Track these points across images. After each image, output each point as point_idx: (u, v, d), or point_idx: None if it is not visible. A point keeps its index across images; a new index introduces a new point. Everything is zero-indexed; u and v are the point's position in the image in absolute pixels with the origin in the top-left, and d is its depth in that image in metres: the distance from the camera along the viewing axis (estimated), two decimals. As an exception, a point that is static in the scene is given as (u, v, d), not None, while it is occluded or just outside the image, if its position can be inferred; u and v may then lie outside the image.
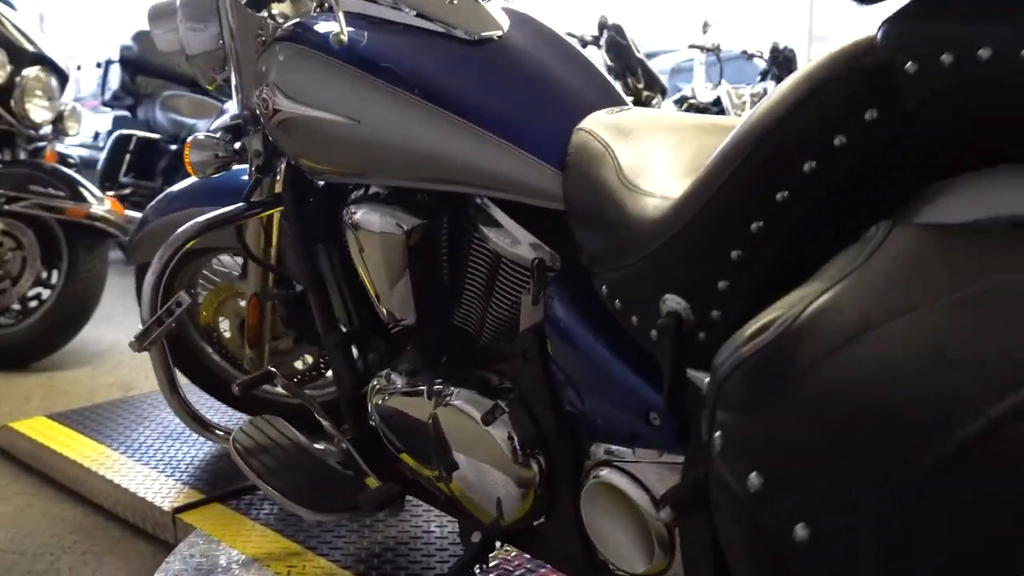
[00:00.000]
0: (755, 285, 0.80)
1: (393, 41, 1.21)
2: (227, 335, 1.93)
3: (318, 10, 1.39)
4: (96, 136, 4.27)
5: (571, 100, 1.16)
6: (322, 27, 1.27)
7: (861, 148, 0.73)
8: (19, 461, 2.03)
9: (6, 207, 2.76)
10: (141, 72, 4.41)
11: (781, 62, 5.77)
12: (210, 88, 1.54)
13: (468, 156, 1.12)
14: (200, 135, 1.48)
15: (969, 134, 0.69)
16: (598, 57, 4.96)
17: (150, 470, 1.81)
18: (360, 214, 1.25)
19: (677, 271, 0.85)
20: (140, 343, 1.42)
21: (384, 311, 1.29)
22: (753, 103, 5.46)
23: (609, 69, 4.89)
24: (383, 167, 1.20)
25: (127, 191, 4.07)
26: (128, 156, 4.09)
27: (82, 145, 4.54)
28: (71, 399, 2.46)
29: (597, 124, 1.08)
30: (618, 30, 4.83)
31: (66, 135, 3.13)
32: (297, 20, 1.33)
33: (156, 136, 4.13)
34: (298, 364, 1.94)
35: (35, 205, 2.77)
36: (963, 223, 0.68)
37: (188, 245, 1.46)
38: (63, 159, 3.18)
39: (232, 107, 1.52)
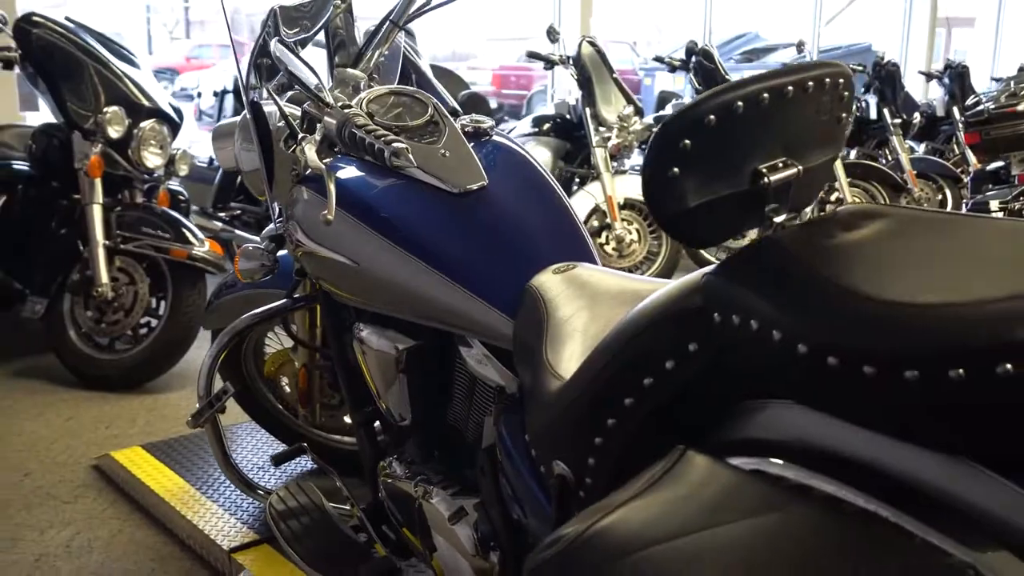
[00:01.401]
0: (615, 464, 0.99)
1: (389, 193, 1.43)
2: (287, 390, 2.21)
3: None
4: (211, 161, 4.66)
5: (532, 252, 1.36)
6: (338, 175, 1.49)
7: (686, 372, 0.91)
8: (118, 487, 2.37)
9: (122, 246, 3.14)
10: None
11: (884, 76, 5.71)
12: (260, 199, 1.80)
13: (440, 299, 1.33)
14: (249, 246, 1.74)
15: (750, 379, 0.86)
16: (684, 81, 5.03)
17: (217, 507, 2.11)
18: (365, 332, 1.48)
19: (561, 443, 1.04)
20: (195, 421, 1.70)
21: (384, 409, 1.52)
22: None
23: (698, 93, 4.96)
24: (379, 301, 1.43)
25: (237, 212, 4.46)
26: (238, 181, 4.47)
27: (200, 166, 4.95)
28: (170, 423, 2.81)
29: (545, 283, 1.28)
30: (706, 54, 4.90)
31: (177, 176, 3.49)
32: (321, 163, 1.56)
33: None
34: (347, 418, 2.20)
35: (146, 245, 3.14)
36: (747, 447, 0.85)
37: (236, 339, 1.73)
38: (175, 196, 3.54)
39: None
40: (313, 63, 1.66)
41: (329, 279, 1.50)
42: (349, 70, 1.69)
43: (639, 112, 4.44)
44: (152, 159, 3.29)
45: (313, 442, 2.20)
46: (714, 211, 0.92)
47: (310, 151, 1.37)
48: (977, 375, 0.67)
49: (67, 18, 3.29)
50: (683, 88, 7.15)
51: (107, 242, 3.11)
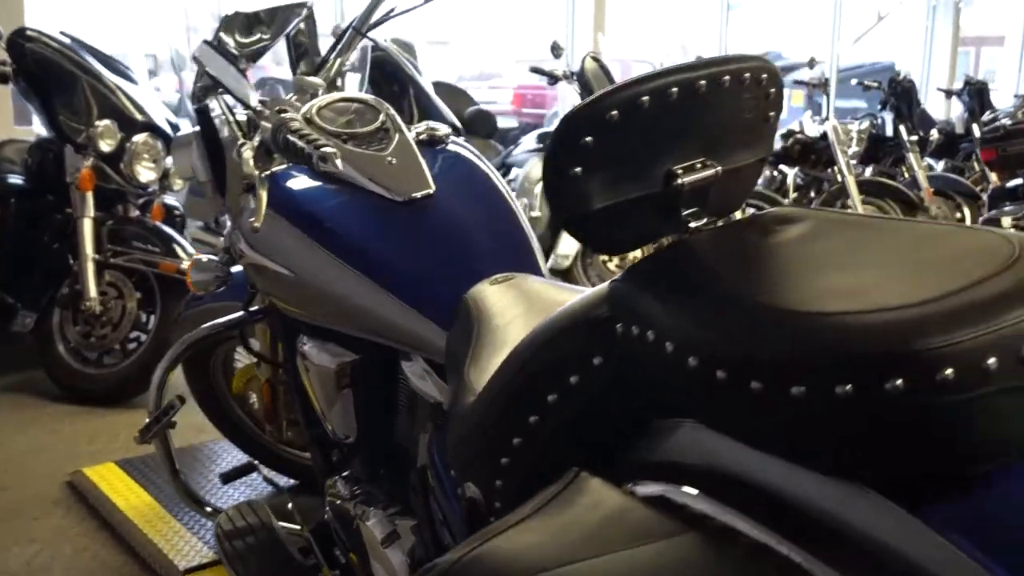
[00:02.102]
0: (522, 486, 0.92)
1: (330, 201, 1.39)
2: (256, 406, 2.16)
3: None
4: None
5: (473, 262, 1.30)
6: (281, 183, 1.45)
7: (591, 387, 0.84)
8: (88, 504, 2.33)
9: (112, 260, 3.12)
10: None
11: (899, 92, 5.62)
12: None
13: (376, 311, 1.27)
14: (202, 257, 1.69)
15: (656, 395, 0.79)
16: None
17: (180, 526, 2.06)
18: (307, 346, 1.43)
19: (471, 463, 0.98)
20: (142, 437, 1.65)
21: (328, 428, 1.46)
22: (860, 139, 5.34)
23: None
24: (317, 313, 1.37)
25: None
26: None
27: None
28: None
29: (480, 294, 1.22)
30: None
31: (171, 190, 3.47)
32: (268, 173, 1.51)
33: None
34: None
35: (136, 259, 3.12)
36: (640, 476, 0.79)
37: (188, 353, 1.69)
38: (170, 211, 3.53)
39: None
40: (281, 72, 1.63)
41: (271, 290, 1.45)
42: (308, 78, 1.64)
43: None
44: (145, 173, 3.27)
45: (282, 459, 2.15)
46: (624, 214, 0.85)
47: (247, 157, 1.33)
48: (865, 391, 0.61)
49: (62, 32, 3.30)
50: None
51: (97, 256, 3.09)
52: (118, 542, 2.14)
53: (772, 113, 0.92)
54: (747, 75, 0.85)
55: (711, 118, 0.86)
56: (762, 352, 0.65)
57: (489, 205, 1.42)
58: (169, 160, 3.40)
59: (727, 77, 0.84)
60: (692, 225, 0.86)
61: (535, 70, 4.44)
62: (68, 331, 3.16)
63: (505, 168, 4.87)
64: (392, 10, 1.76)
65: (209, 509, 1.76)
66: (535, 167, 4.57)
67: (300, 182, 1.44)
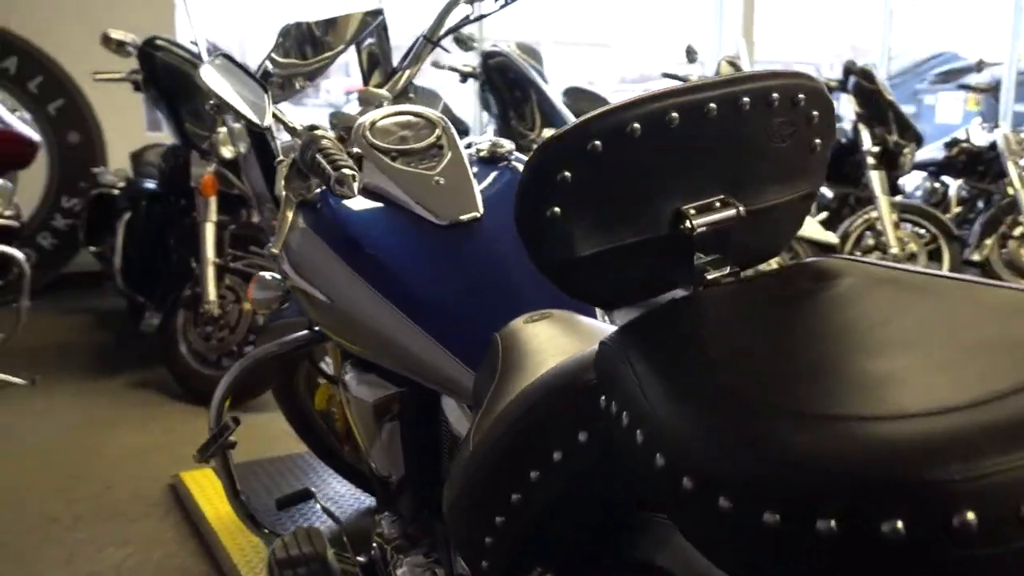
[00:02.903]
0: (507, 570, 0.80)
1: (370, 223, 1.30)
2: (338, 423, 2.12)
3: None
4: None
5: (512, 296, 1.19)
6: (324, 202, 1.38)
7: (574, 466, 0.72)
8: (184, 509, 2.36)
9: (231, 264, 3.19)
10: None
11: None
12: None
13: (406, 345, 1.18)
14: (265, 275, 1.65)
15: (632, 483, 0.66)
16: (845, 102, 4.66)
17: (258, 541, 2.04)
18: (348, 375, 1.36)
19: (459, 536, 0.87)
20: (201, 456, 1.62)
21: (369, 462, 1.38)
22: (1032, 148, 4.84)
23: (858, 116, 4.57)
24: (354, 342, 1.29)
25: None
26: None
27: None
28: (258, 444, 2.79)
29: (511, 333, 1.10)
30: (865, 74, 4.50)
31: None
32: (300, 194, 1.44)
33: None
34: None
35: (254, 264, 3.17)
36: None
37: (245, 373, 1.65)
38: None
39: None
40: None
41: (312, 315, 1.38)
42: (373, 90, 1.57)
43: (918, 140, 4.14)
44: None
45: (365, 477, 2.10)
46: (620, 263, 0.72)
47: (280, 174, 1.26)
48: (855, 530, 0.46)
49: (193, 41, 3.40)
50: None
51: (217, 260, 3.16)
52: (204, 551, 2.15)
53: (818, 140, 0.76)
54: (775, 95, 0.70)
55: (729, 148, 0.71)
56: (734, 464, 0.51)
57: None
58: None
59: (746, 99, 0.69)
60: (709, 277, 0.72)
61: (668, 75, 4.26)
62: (190, 332, 3.25)
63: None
64: (467, 17, 1.66)
65: (267, 531, 1.72)
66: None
67: (346, 202, 1.36)
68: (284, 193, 1.25)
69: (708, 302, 0.69)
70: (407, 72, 1.64)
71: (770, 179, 0.74)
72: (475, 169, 1.40)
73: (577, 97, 5.38)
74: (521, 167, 1.43)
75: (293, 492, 1.67)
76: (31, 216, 4.47)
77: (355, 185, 1.13)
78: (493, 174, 1.40)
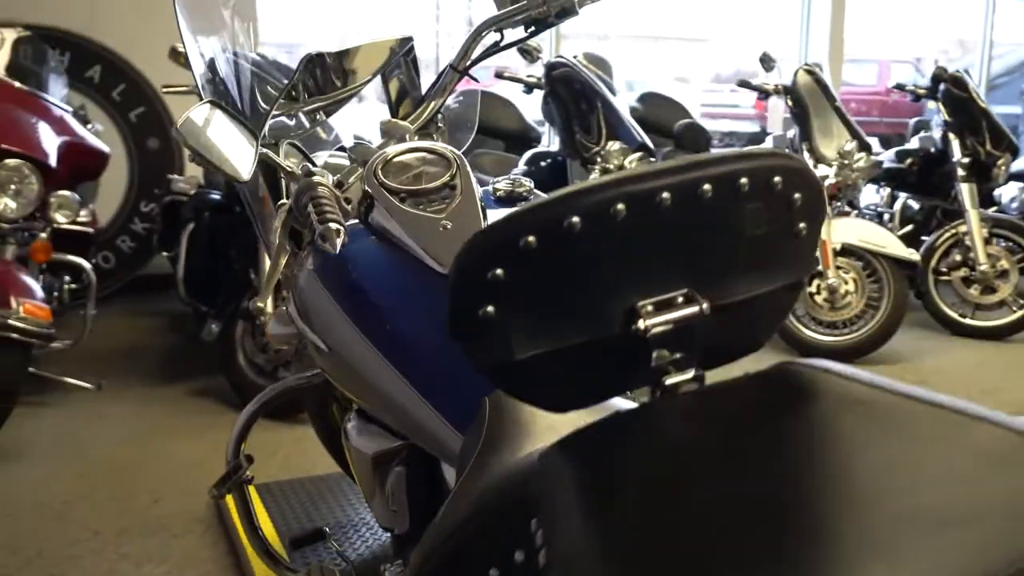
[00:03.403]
0: None
1: (373, 269, 1.25)
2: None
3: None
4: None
5: None
6: (319, 257, 1.32)
7: None
8: (224, 527, 2.37)
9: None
10: (461, 129, 4.78)
11: None
12: None
13: (396, 402, 1.13)
14: (284, 308, 1.62)
15: None
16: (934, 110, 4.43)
17: (285, 569, 2.02)
18: (350, 424, 1.31)
19: None
20: (217, 492, 1.61)
21: (373, 514, 1.34)
22: None
23: (948, 125, 4.35)
24: (351, 393, 1.25)
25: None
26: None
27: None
28: (308, 460, 2.80)
29: (500, 401, 1.03)
30: (956, 81, 4.27)
31: None
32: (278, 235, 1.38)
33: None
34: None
35: None
36: None
37: (270, 404, 1.63)
38: None
39: None
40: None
41: (316, 360, 1.34)
42: (395, 121, 1.52)
43: (865, 148, 3.93)
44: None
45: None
46: (569, 365, 0.65)
47: (278, 219, 1.22)
48: None
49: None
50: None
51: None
52: (237, 573, 2.15)
53: (803, 224, 0.67)
54: (743, 181, 0.62)
55: (692, 238, 0.64)
56: None
57: None
58: None
59: (707, 186, 0.61)
60: (668, 381, 0.64)
61: (743, 84, 4.12)
62: (247, 343, 3.28)
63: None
64: (495, 44, 1.60)
65: (284, 567, 1.70)
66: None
67: (354, 244, 1.31)
68: (274, 241, 1.21)
69: (656, 419, 0.62)
70: (432, 104, 1.59)
71: (744, 270, 0.66)
72: (491, 210, 1.34)
73: (652, 103, 5.27)
74: None
75: (307, 532, 1.64)
76: (111, 220, 4.60)
77: (338, 242, 1.08)
78: None
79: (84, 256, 3.40)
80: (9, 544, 2.27)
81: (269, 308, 1.23)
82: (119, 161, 4.50)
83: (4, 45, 3.13)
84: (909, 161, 4.68)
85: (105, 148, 3.40)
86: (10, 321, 2.60)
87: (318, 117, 1.52)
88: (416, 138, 1.56)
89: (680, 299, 0.64)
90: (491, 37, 1.60)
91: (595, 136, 3.57)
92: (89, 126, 3.59)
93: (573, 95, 3.60)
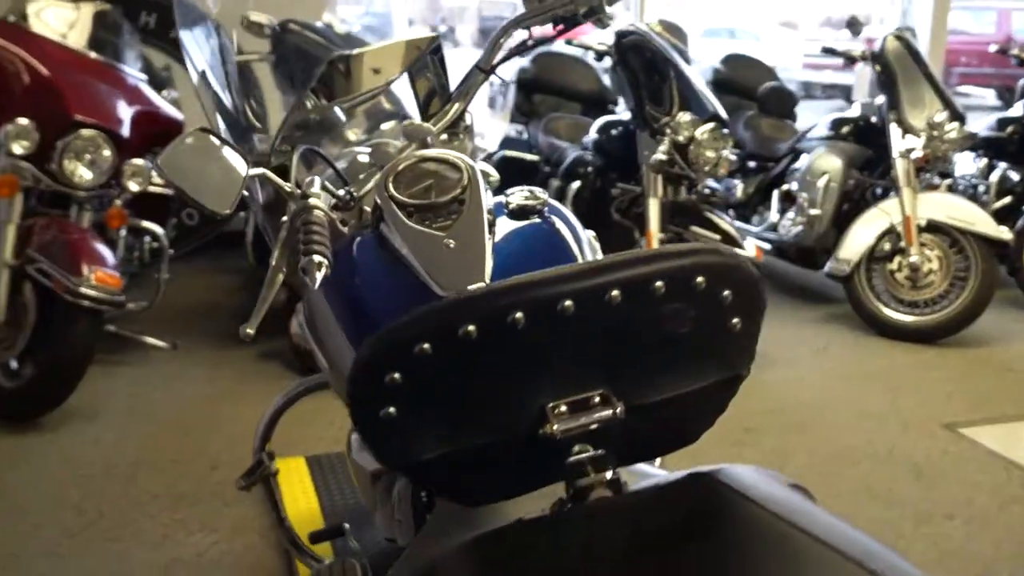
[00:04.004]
0: None
1: (377, 288, 1.24)
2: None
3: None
4: (489, 156, 4.70)
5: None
6: (346, 253, 1.32)
7: None
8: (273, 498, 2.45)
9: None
10: (538, 91, 4.71)
11: None
12: None
13: None
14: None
15: None
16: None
17: (309, 559, 2.08)
18: (353, 435, 1.32)
19: None
20: (243, 484, 1.65)
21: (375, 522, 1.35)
22: None
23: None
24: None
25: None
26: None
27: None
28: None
29: None
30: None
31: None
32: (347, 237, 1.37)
33: (533, 158, 4.43)
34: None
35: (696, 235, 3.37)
36: None
37: (298, 399, 1.65)
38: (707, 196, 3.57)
39: None
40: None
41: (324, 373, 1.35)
42: (417, 123, 1.50)
43: (958, 118, 3.71)
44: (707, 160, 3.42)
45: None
46: (479, 463, 0.63)
47: (279, 240, 1.22)
48: None
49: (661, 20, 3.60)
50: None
51: (661, 235, 3.34)
52: (281, 548, 2.22)
53: (736, 320, 0.63)
54: (657, 284, 0.59)
55: (604, 341, 0.60)
56: None
57: None
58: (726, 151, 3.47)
59: (615, 292, 0.58)
60: (581, 483, 0.62)
61: (828, 50, 3.93)
62: None
63: (794, 154, 4.41)
64: (523, 42, 1.56)
65: (310, 557, 1.74)
66: (821, 158, 4.09)
67: (364, 256, 1.31)
68: (273, 262, 1.21)
69: (557, 534, 0.60)
70: (456, 105, 1.56)
71: (667, 370, 0.63)
72: (502, 225, 1.31)
73: (736, 65, 5.08)
74: (557, 220, 1.33)
75: (327, 528, 1.68)
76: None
77: (319, 276, 1.07)
78: (516, 233, 1.30)
79: (163, 217, 3.51)
80: (78, 504, 2.40)
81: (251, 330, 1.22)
82: (203, 121, 4.60)
83: (84, 19, 3.22)
84: (1010, 129, 4.41)
85: (179, 115, 3.47)
86: (82, 289, 2.71)
87: (342, 117, 1.51)
88: (438, 142, 1.54)
89: (596, 399, 0.61)
90: (519, 35, 1.56)
91: (666, 106, 3.48)
92: (165, 92, 3.67)
93: (643, 63, 3.50)
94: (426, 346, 0.59)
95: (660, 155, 3.41)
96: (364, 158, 1.53)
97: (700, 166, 3.43)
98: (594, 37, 3.70)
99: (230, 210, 1.16)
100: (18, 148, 2.88)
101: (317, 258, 1.07)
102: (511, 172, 4.48)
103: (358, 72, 1.54)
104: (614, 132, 3.83)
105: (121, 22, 3.43)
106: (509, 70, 4.71)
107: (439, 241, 1.23)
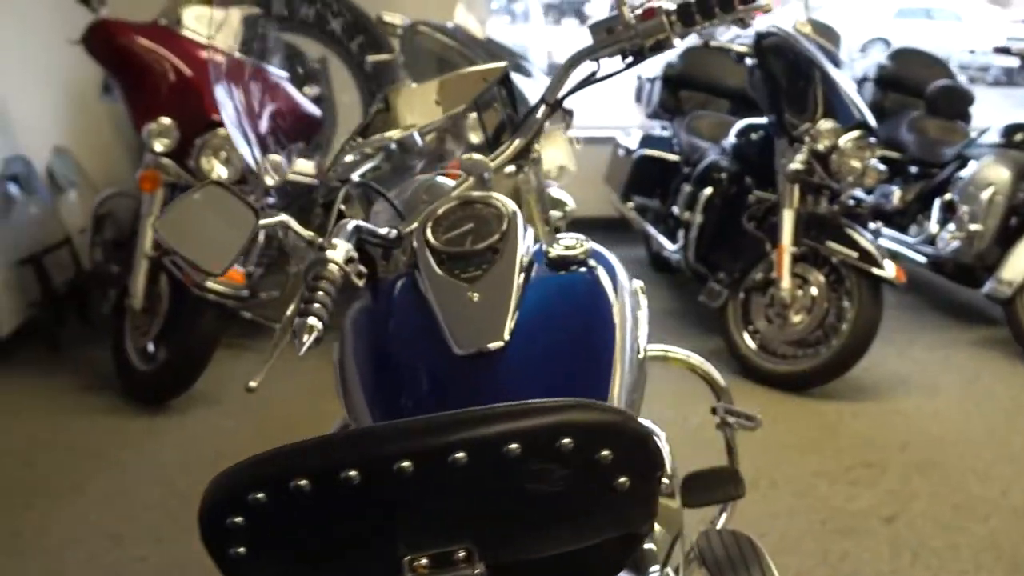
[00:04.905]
0: None
1: (399, 337, 1.22)
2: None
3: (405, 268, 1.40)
4: (627, 152, 4.57)
5: None
6: (378, 296, 1.30)
7: None
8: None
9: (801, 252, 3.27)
10: (685, 87, 4.55)
11: None
12: None
13: None
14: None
15: None
16: None
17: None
18: None
19: None
20: None
21: None
22: None
23: None
24: None
25: (631, 206, 4.38)
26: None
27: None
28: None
29: None
30: None
31: (861, 186, 3.33)
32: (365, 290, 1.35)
33: (674, 158, 4.28)
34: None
35: (833, 253, 3.20)
36: None
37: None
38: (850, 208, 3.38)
39: None
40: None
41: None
42: (477, 157, 1.46)
43: None
44: (853, 169, 3.23)
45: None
46: None
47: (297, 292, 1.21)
48: None
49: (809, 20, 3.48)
50: None
51: (794, 249, 3.22)
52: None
53: (624, 479, 0.57)
54: (512, 446, 0.53)
55: (461, 498, 0.55)
56: None
57: (571, 373, 1.12)
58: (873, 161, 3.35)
59: (459, 455, 0.53)
60: None
61: (1000, 50, 3.57)
62: (756, 312, 3.38)
63: (961, 160, 4.06)
64: (592, 74, 1.49)
65: None
66: (988, 167, 3.75)
67: (397, 297, 1.28)
68: (287, 314, 1.19)
69: None
70: (517, 141, 1.50)
71: (540, 529, 0.57)
72: (539, 275, 1.25)
73: (906, 60, 4.74)
74: (600, 271, 1.26)
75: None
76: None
77: (307, 342, 1.04)
78: (551, 285, 1.24)
79: (310, 207, 3.64)
80: (185, 491, 2.52)
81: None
82: (355, 110, 4.74)
83: (233, 22, 3.37)
84: None
85: (317, 112, 3.57)
86: (208, 283, 2.85)
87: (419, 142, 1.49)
88: (497, 177, 1.50)
89: (461, 553, 0.56)
90: (587, 68, 1.49)
91: (808, 112, 3.27)
92: (307, 88, 3.80)
93: (785, 66, 3.30)
94: (260, 496, 0.56)
95: (797, 164, 3.21)
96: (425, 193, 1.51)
97: (843, 176, 3.21)
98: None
99: (225, 270, 1.15)
100: (160, 146, 3.06)
101: (311, 321, 1.05)
102: (650, 172, 4.35)
103: (419, 104, 1.52)
104: (754, 136, 3.64)
105: (268, 25, 3.57)
106: (655, 66, 4.57)
107: (463, 293, 1.19)
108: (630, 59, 1.46)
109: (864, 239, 3.16)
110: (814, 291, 3.27)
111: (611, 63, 1.49)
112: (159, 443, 2.81)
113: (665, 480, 1.32)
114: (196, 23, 3.31)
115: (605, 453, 0.55)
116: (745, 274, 3.41)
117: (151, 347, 3.06)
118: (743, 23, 3.33)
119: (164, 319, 3.02)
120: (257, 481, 0.57)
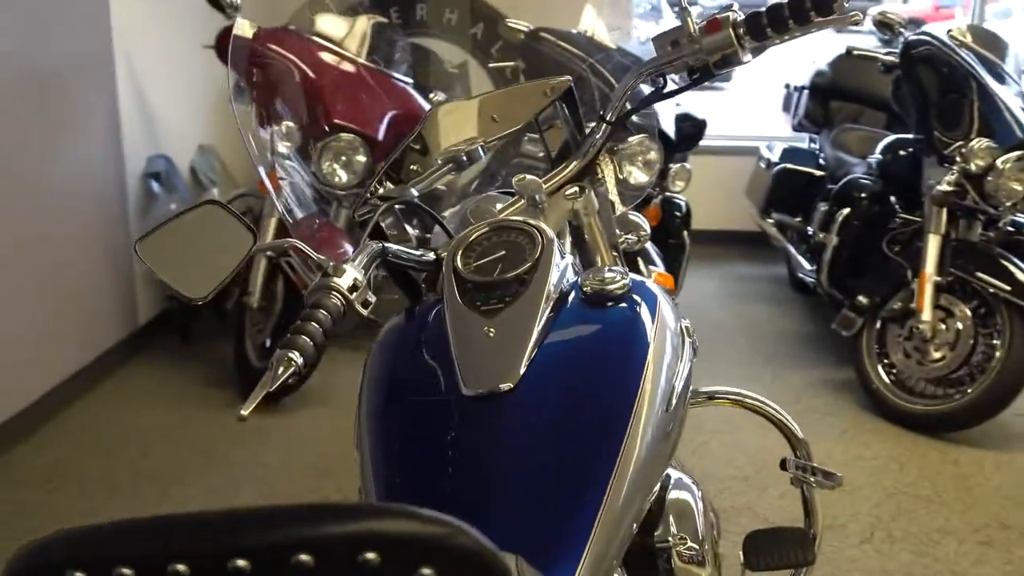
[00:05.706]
0: None
1: (413, 372, 1.15)
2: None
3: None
4: (768, 164, 4.33)
5: (489, 521, 0.96)
6: (398, 324, 1.24)
7: None
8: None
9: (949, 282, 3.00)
10: (835, 97, 4.26)
11: None
12: None
13: None
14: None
15: None
16: None
17: None
18: None
19: None
20: None
21: None
22: None
23: None
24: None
25: (771, 222, 4.14)
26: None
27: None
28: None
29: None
30: None
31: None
32: (401, 313, 1.29)
33: (817, 173, 4.02)
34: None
35: (980, 282, 2.92)
36: None
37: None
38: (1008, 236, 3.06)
39: None
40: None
41: None
42: (530, 178, 1.37)
43: None
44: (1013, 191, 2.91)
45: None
46: None
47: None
48: None
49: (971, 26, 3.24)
50: None
51: (938, 278, 2.98)
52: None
53: None
54: (304, 557, 0.45)
55: None
56: None
57: (587, 421, 1.02)
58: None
59: (241, 562, 0.45)
60: None
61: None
62: (893, 345, 3.14)
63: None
64: (656, 91, 1.37)
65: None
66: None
67: (424, 322, 1.22)
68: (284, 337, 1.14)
69: None
70: (575, 163, 1.41)
71: None
72: (571, 310, 1.15)
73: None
74: (642, 308, 1.15)
75: None
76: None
77: (280, 376, 0.98)
78: (583, 321, 1.14)
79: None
80: (279, 492, 2.56)
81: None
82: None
83: (361, 28, 3.42)
84: None
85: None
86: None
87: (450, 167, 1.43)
88: (552, 200, 1.41)
89: None
90: (652, 84, 1.38)
91: (962, 129, 2.97)
92: (433, 95, 3.80)
93: (937, 78, 3.02)
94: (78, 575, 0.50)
95: (945, 185, 2.93)
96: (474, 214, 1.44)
97: (1000, 200, 2.90)
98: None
99: (207, 297, 1.11)
100: (283, 148, 3.13)
101: (291, 355, 0.99)
102: (791, 187, 4.11)
103: (475, 119, 1.45)
104: (902, 153, 3.35)
105: (396, 31, 3.60)
106: (804, 74, 4.31)
107: (480, 328, 1.11)
108: (696, 75, 1.34)
109: (1020, 271, 2.85)
110: (959, 325, 2.98)
111: (678, 79, 1.38)
112: (264, 442, 2.87)
113: (694, 546, 1.19)
114: (326, 29, 3.38)
115: (427, 572, 0.47)
116: (883, 303, 3.13)
117: (268, 344, 3.14)
118: (892, 31, 3.06)
119: (278, 317, 3.09)
120: (78, 557, 0.51)
